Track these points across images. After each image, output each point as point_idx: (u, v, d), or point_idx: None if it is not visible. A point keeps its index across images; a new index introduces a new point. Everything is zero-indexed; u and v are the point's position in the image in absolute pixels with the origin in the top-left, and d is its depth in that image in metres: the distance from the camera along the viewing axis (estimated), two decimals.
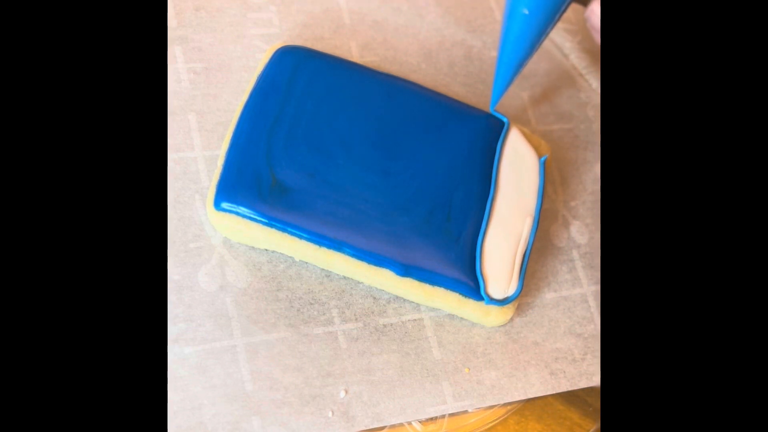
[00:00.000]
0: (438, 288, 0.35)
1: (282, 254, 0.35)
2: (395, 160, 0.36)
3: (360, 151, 0.35)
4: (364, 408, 0.34)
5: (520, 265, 0.35)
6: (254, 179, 0.34)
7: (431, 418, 0.35)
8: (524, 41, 0.36)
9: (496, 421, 0.36)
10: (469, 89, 0.41)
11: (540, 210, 0.37)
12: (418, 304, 0.36)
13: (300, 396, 0.33)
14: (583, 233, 0.40)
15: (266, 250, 0.35)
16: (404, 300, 0.36)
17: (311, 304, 0.35)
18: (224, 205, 0.34)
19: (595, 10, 0.36)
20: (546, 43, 0.44)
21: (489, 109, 0.38)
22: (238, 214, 0.34)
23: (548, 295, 0.38)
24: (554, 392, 0.36)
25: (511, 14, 0.35)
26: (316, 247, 0.34)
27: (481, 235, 0.35)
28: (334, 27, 0.40)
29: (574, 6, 0.44)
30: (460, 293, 0.35)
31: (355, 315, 0.35)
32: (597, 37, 0.37)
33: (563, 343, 0.37)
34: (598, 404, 0.37)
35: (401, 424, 0.34)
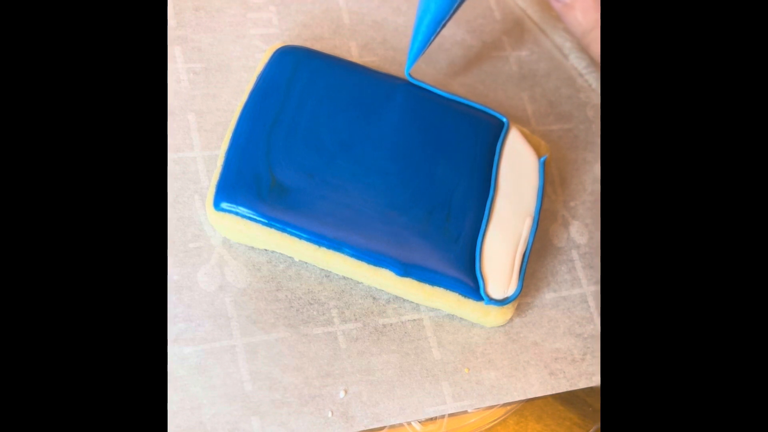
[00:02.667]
0: (437, 288, 0.35)
1: (281, 254, 0.35)
2: (395, 159, 0.36)
3: (359, 151, 0.35)
4: (363, 408, 0.34)
5: (520, 266, 0.35)
6: (254, 179, 0.34)
7: (431, 419, 0.35)
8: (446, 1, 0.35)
9: (496, 422, 0.36)
10: (468, 89, 0.41)
11: (540, 210, 0.37)
12: (417, 305, 0.36)
13: (299, 396, 0.33)
14: (582, 233, 0.40)
15: (266, 250, 0.35)
16: (404, 300, 0.36)
17: (311, 304, 0.35)
18: (224, 205, 0.34)
19: None
20: (546, 43, 0.44)
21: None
22: (237, 214, 0.34)
23: (548, 296, 0.38)
24: (554, 392, 0.36)
25: None
26: (316, 247, 0.34)
27: (481, 235, 0.35)
28: (333, 27, 0.40)
29: None
30: (459, 293, 0.35)
31: (354, 315, 0.35)
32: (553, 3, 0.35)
33: (563, 344, 0.37)
34: (597, 404, 0.37)
35: (401, 424, 0.34)
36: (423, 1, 0.36)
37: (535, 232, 0.36)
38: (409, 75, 0.37)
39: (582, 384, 0.37)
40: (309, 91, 0.36)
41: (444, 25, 0.36)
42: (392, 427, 0.34)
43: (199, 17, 0.39)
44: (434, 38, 0.37)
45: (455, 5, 0.35)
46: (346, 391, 0.34)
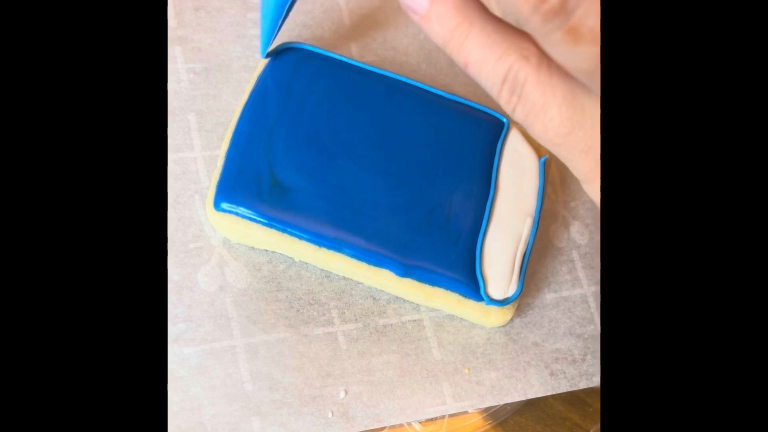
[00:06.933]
0: (438, 288, 0.35)
1: (282, 255, 0.35)
2: (395, 160, 0.36)
3: (360, 152, 0.35)
4: (363, 408, 0.34)
5: (520, 266, 0.35)
6: (254, 179, 0.34)
7: (431, 419, 0.35)
8: None
9: (497, 422, 0.36)
10: (469, 89, 0.41)
11: (540, 210, 0.37)
12: (417, 305, 0.36)
13: (300, 396, 0.33)
14: (583, 233, 0.40)
15: (266, 250, 0.35)
16: (404, 300, 0.36)
17: (311, 304, 0.35)
18: (224, 205, 0.34)
19: None
20: None
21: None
22: (237, 214, 0.34)
23: (548, 296, 0.38)
24: (554, 393, 0.36)
25: None
26: (316, 247, 0.34)
27: (481, 236, 0.35)
28: (334, 27, 0.40)
29: None
30: (459, 294, 0.35)
31: (354, 315, 0.35)
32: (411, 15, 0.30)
33: (563, 344, 0.37)
34: (598, 405, 0.37)
35: (401, 425, 0.34)
36: None
37: (536, 232, 0.36)
38: (265, 56, 0.37)
39: (582, 384, 0.37)
40: (309, 92, 0.36)
41: (290, 7, 0.35)
42: (393, 427, 0.34)
43: (199, 17, 0.39)
44: (283, 21, 0.35)
45: None
46: (346, 392, 0.34)
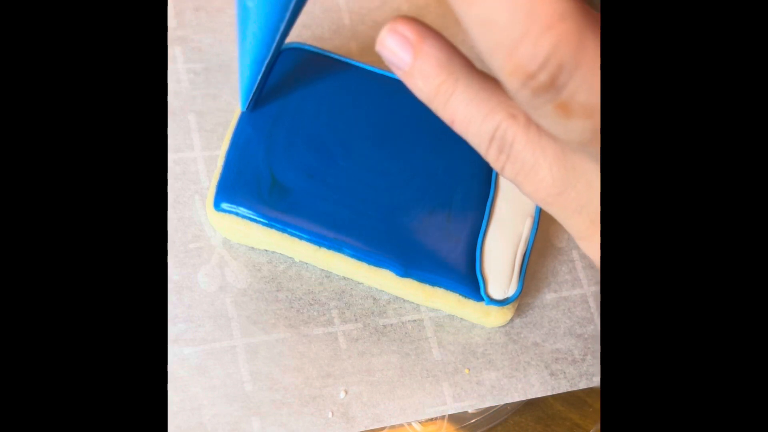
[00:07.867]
0: (438, 288, 0.35)
1: (282, 255, 0.35)
2: (395, 160, 0.36)
3: (360, 152, 0.35)
4: (363, 408, 0.34)
5: (520, 266, 0.35)
6: (254, 180, 0.34)
7: (431, 419, 0.35)
8: (259, 38, 0.31)
9: (497, 422, 0.36)
10: None
11: (540, 210, 0.37)
12: (418, 305, 0.36)
13: (300, 396, 0.33)
14: None
15: (266, 250, 0.35)
16: (404, 300, 0.36)
17: (311, 304, 0.35)
18: (224, 205, 0.34)
19: (385, 43, 0.27)
20: None
21: None
22: (237, 214, 0.34)
23: (548, 296, 0.38)
24: (554, 393, 0.36)
25: (240, 8, 0.31)
26: (316, 247, 0.34)
27: (481, 236, 0.35)
28: (334, 27, 0.40)
29: None
30: (460, 294, 0.35)
31: (355, 316, 0.35)
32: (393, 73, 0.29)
33: (563, 344, 0.37)
34: (598, 405, 0.37)
35: (401, 425, 0.34)
36: (240, 44, 0.32)
37: (536, 232, 0.36)
38: (245, 111, 0.35)
39: (582, 384, 0.37)
40: (309, 92, 0.36)
41: (271, 62, 0.33)
42: (393, 427, 0.34)
43: (199, 17, 0.39)
44: (264, 72, 0.33)
45: (273, 47, 0.32)
46: (346, 392, 0.34)
